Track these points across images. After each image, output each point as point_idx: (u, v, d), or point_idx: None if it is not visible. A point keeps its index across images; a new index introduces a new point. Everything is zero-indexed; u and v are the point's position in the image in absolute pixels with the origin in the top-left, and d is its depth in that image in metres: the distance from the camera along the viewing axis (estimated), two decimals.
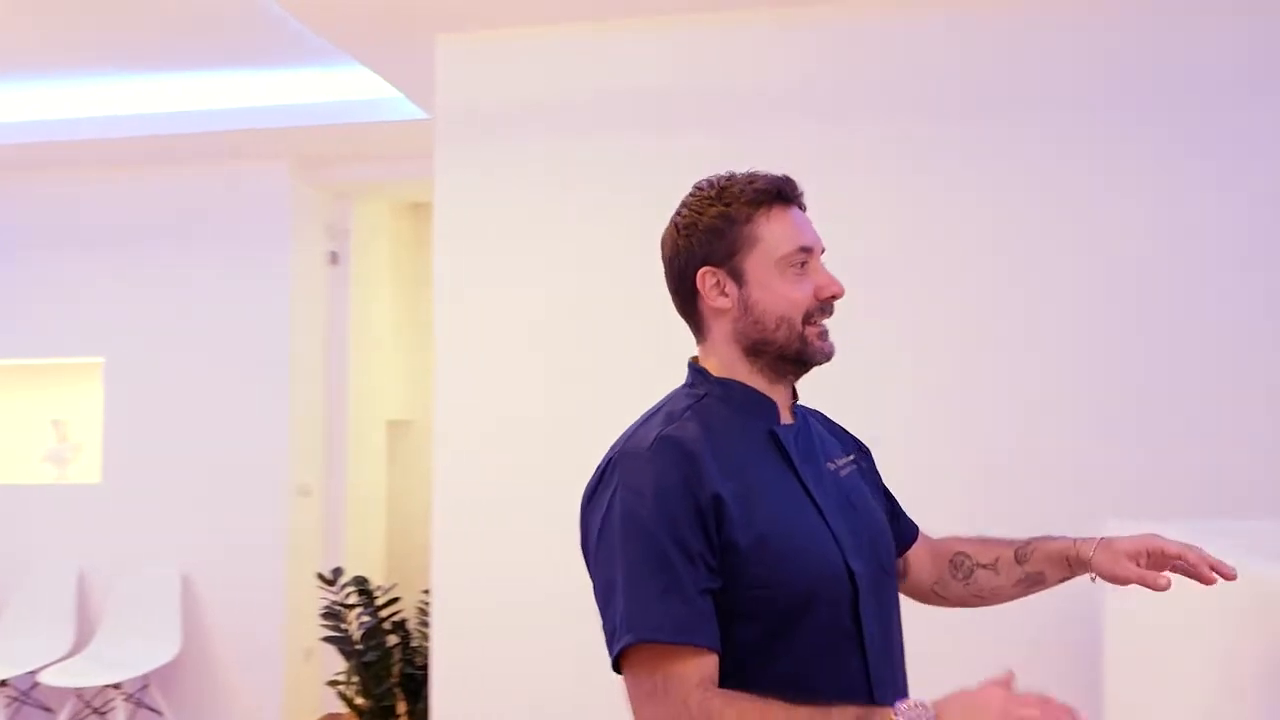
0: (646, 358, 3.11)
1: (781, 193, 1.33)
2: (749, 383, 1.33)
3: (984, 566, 1.47)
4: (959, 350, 2.97)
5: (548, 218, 3.20)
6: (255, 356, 4.61)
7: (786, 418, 1.36)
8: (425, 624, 3.80)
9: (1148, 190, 2.96)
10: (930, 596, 1.53)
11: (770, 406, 1.33)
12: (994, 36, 3.06)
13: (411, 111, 4.01)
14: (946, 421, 2.96)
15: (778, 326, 1.30)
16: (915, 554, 1.52)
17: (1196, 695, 1.83)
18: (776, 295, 1.30)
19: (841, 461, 1.40)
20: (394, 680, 3.85)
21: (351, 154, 4.70)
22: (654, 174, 3.14)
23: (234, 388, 4.62)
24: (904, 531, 1.51)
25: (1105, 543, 1.35)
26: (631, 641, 1.15)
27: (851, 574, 1.27)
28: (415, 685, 3.81)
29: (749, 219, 1.30)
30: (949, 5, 3.05)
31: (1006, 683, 1.07)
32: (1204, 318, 2.91)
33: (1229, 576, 1.29)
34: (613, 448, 1.30)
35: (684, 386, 1.38)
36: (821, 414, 1.51)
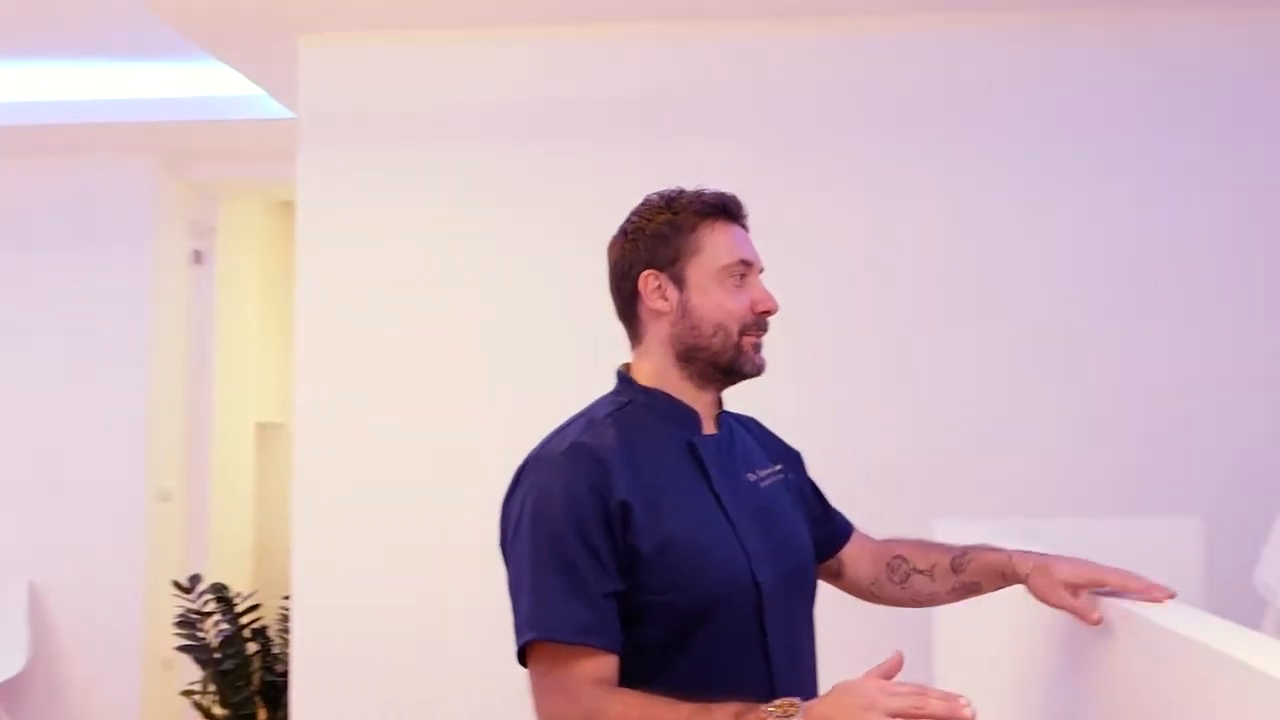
0: (507, 364, 3.18)
1: (726, 208, 1.40)
2: (676, 391, 1.38)
3: (920, 572, 1.49)
4: (792, 353, 3.07)
5: (410, 222, 3.20)
6: (110, 357, 4.45)
7: (709, 428, 1.41)
8: (287, 631, 3.75)
9: (996, 194, 3.14)
10: (867, 595, 1.57)
11: (692, 417, 1.39)
12: (841, 49, 3.20)
13: (280, 109, 3.95)
14: (790, 419, 3.07)
15: (714, 333, 1.35)
16: (851, 553, 1.56)
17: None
18: (714, 303, 1.35)
19: (764, 472, 1.44)
20: (254, 689, 3.79)
21: (218, 151, 4.59)
22: (515, 182, 3.20)
23: (87, 390, 4.44)
24: (834, 531, 1.56)
25: (1043, 566, 1.34)
26: (533, 639, 1.22)
27: (757, 583, 1.31)
28: (275, 693, 3.75)
29: (694, 228, 1.37)
30: (804, 22, 3.18)
31: (889, 670, 1.12)
32: (1036, 322, 3.10)
33: (1168, 598, 1.27)
34: (531, 451, 1.36)
35: (610, 394, 1.42)
36: (755, 422, 1.56)
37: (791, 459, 1.55)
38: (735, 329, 1.36)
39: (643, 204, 1.43)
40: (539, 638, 1.22)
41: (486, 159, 3.20)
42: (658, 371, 1.39)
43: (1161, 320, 3.09)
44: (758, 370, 1.39)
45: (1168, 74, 3.15)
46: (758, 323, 1.38)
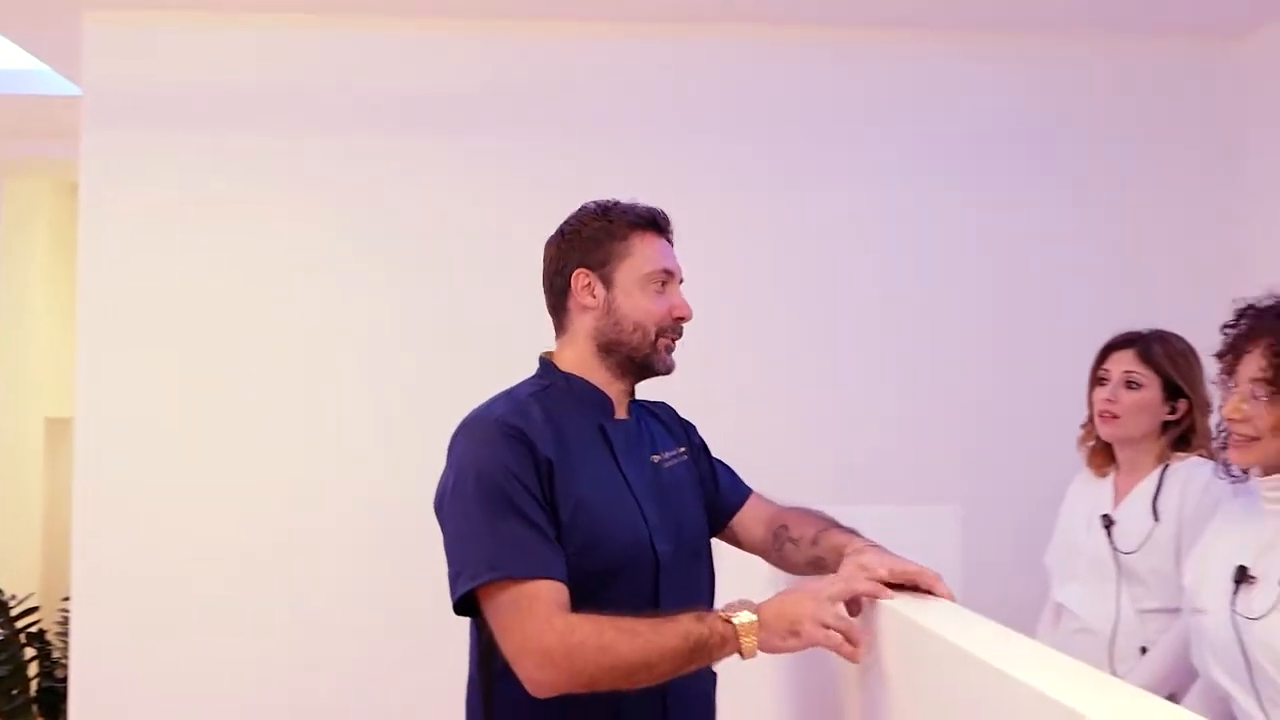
0: (295, 353, 3.12)
1: (655, 222, 1.56)
2: (593, 379, 1.54)
3: (792, 541, 1.59)
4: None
5: (199, 208, 3.10)
6: None
7: (621, 414, 1.57)
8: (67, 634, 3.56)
9: (836, 199, 3.31)
10: (766, 560, 1.68)
11: (606, 402, 1.54)
12: (704, 54, 3.30)
13: (68, 86, 3.74)
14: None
15: (634, 330, 1.52)
16: (744, 519, 1.68)
17: None
18: (636, 305, 1.52)
19: (667, 454, 1.60)
20: (30, 695, 3.58)
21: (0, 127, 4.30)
22: (307, 171, 3.14)
23: None
24: (726, 504, 1.68)
25: (856, 553, 1.40)
26: (499, 577, 1.32)
27: (656, 553, 1.47)
28: (55, 699, 3.57)
29: (625, 236, 1.53)
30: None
31: (835, 594, 1.29)
32: (836, 323, 3.29)
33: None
34: (461, 421, 1.48)
35: (532, 377, 1.58)
36: (666, 408, 1.73)
37: (696, 443, 1.70)
38: (653, 330, 1.52)
39: (579, 210, 1.59)
40: (508, 575, 1.32)
41: (278, 146, 3.13)
42: (579, 360, 1.55)
43: (950, 321, 3.33)
44: (668, 369, 1.56)
45: (1022, 92, 3.42)
46: (673, 327, 1.55)
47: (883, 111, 3.37)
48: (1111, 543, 2.12)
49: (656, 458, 1.58)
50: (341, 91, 3.17)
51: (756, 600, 1.36)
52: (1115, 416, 2.13)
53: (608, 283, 1.52)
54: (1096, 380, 2.20)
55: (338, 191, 3.14)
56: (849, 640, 1.27)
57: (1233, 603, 1.56)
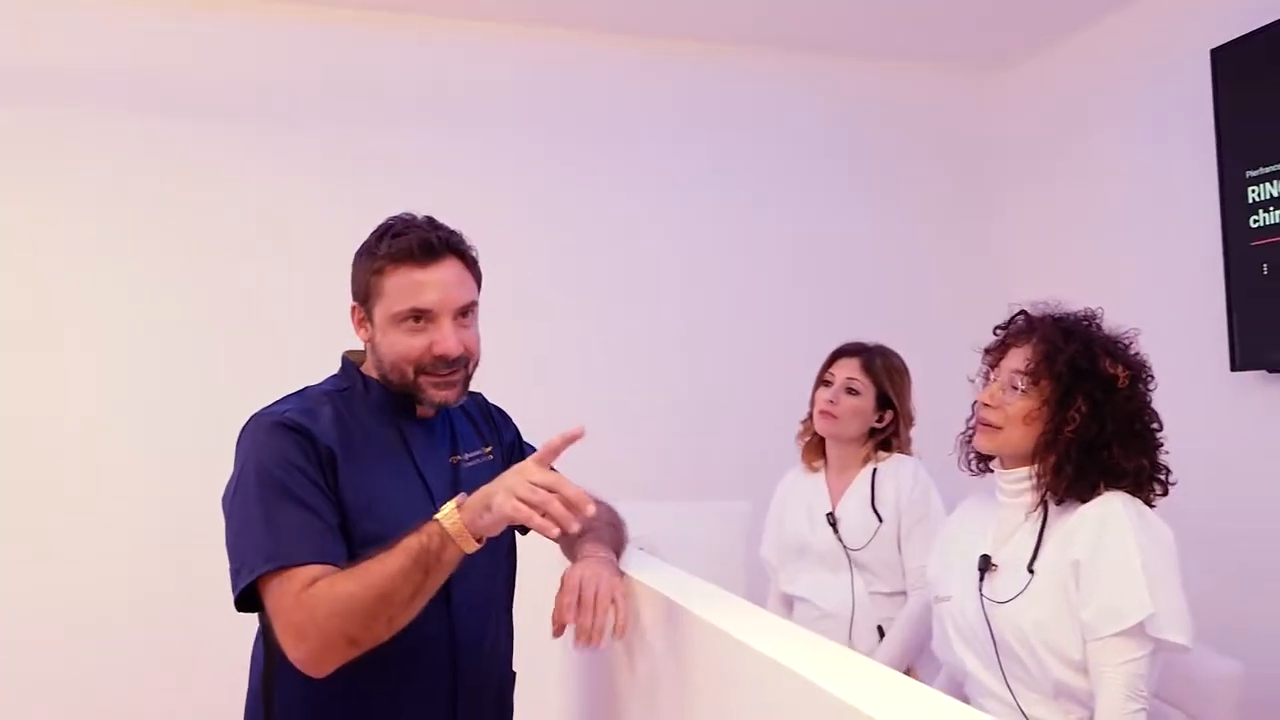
0: (70, 350, 2.92)
1: (414, 253, 1.43)
2: (390, 384, 1.49)
3: (566, 535, 1.57)
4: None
5: None
6: None
7: (426, 413, 1.53)
8: None
9: (638, 204, 3.34)
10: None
11: (405, 406, 1.51)
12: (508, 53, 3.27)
13: None
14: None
15: (392, 370, 1.46)
16: None
17: None
18: (391, 345, 1.45)
19: (469, 455, 1.57)
20: None
21: None
22: (61, 154, 2.95)
23: None
24: None
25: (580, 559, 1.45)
26: (273, 568, 1.29)
27: None
28: None
29: (381, 271, 1.44)
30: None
31: (542, 458, 1.29)
32: (637, 329, 3.35)
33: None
34: (249, 418, 1.44)
35: (332, 376, 1.55)
36: (479, 402, 1.69)
37: (506, 438, 1.69)
38: (410, 370, 1.45)
39: (373, 231, 1.50)
40: (281, 565, 1.29)
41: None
42: (374, 371, 1.52)
43: (725, 329, 3.46)
44: (439, 405, 1.48)
45: (807, 109, 3.59)
46: (435, 363, 1.44)
47: (686, 119, 3.48)
48: (840, 539, 2.31)
49: (456, 459, 1.56)
50: (87, 69, 2.98)
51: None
52: (835, 417, 2.33)
53: (371, 319, 1.49)
54: (822, 381, 2.39)
55: (89, 178, 2.97)
56: (549, 512, 1.22)
57: (980, 589, 1.70)
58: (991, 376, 1.78)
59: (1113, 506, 1.59)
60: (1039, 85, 3.64)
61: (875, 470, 2.33)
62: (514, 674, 1.68)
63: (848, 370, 2.35)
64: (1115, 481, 1.63)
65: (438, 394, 1.47)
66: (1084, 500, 1.63)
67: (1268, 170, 2.67)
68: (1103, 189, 3.33)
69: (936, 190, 3.73)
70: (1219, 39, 2.81)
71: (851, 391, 2.33)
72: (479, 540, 1.27)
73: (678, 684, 1.28)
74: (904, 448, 2.37)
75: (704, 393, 3.42)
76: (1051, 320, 1.74)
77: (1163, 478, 1.66)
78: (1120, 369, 1.65)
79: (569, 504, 1.23)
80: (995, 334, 1.83)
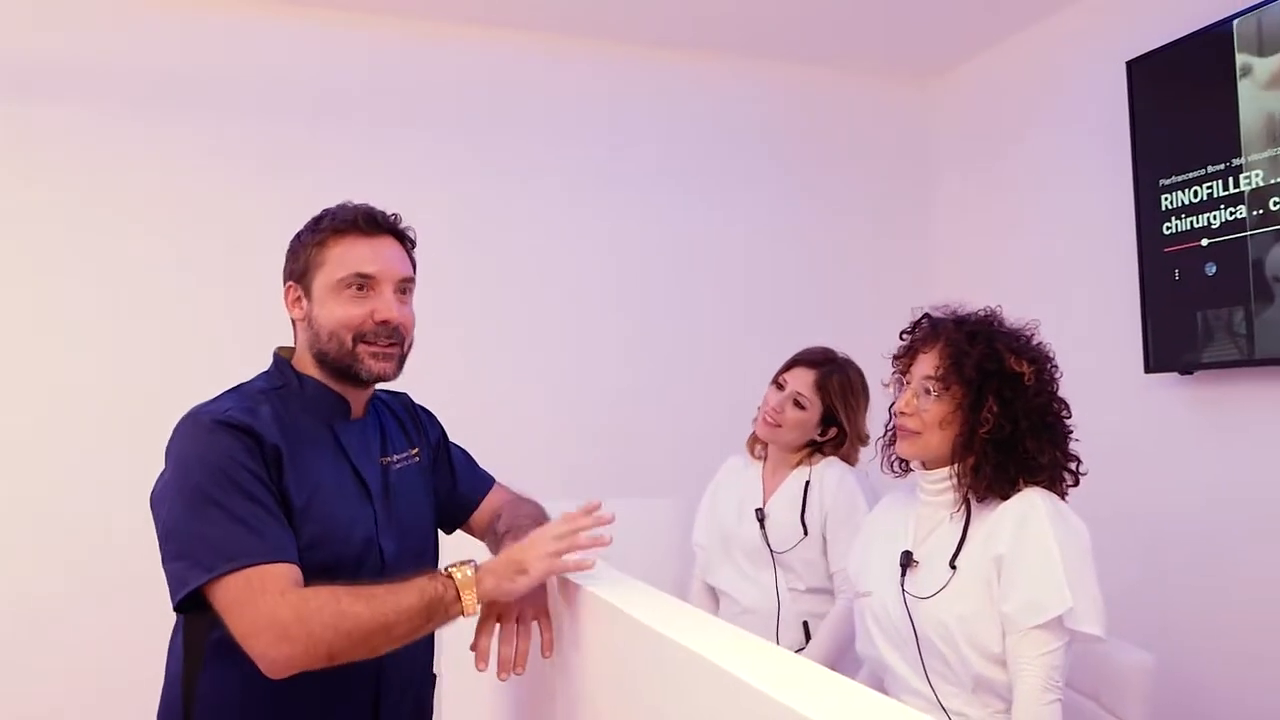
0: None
1: (358, 222, 1.48)
2: (323, 381, 1.49)
3: (494, 531, 1.62)
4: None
5: None
6: None
7: (358, 413, 1.54)
8: None
9: (581, 206, 3.32)
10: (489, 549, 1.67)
11: (339, 404, 1.51)
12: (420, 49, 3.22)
13: None
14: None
15: (329, 339, 1.46)
16: (481, 511, 1.72)
17: None
18: (330, 313, 1.46)
19: (398, 456, 1.58)
20: None
21: None
22: None
23: None
24: (467, 493, 1.71)
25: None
26: (239, 567, 1.26)
27: (382, 552, 1.47)
28: None
29: (323, 244, 1.47)
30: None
31: (558, 534, 1.37)
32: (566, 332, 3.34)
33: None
34: (183, 416, 1.41)
35: (264, 374, 1.53)
36: (405, 402, 1.70)
37: (432, 439, 1.69)
38: (349, 337, 1.46)
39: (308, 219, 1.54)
40: (247, 564, 1.27)
41: None
42: (305, 366, 1.51)
43: (662, 329, 3.48)
44: (373, 376, 1.49)
45: (738, 112, 3.61)
46: (376, 331, 1.47)
47: (627, 120, 3.48)
48: (765, 539, 2.33)
49: (385, 459, 1.57)
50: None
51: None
52: (777, 425, 2.34)
53: (308, 294, 1.50)
54: (775, 383, 2.40)
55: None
56: (578, 544, 1.37)
57: (901, 584, 1.73)
58: (905, 382, 1.81)
59: (1032, 502, 1.64)
60: (969, 93, 3.72)
61: (808, 481, 2.33)
62: (434, 676, 1.68)
63: (799, 382, 2.35)
64: (1032, 476, 1.67)
65: (375, 365, 1.48)
66: (1004, 497, 1.67)
67: (1180, 179, 2.77)
68: (1029, 194, 3.42)
69: (874, 193, 3.79)
70: (1135, 51, 2.90)
71: (798, 405, 2.33)
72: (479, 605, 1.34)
73: (612, 684, 1.28)
74: (848, 461, 2.37)
75: (638, 391, 3.43)
76: (954, 323, 1.77)
77: (1074, 467, 1.71)
78: (1025, 365, 1.69)
79: (591, 520, 1.39)
80: (902, 339, 1.86)
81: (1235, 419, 2.68)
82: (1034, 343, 1.74)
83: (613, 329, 3.42)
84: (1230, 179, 2.63)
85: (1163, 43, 2.82)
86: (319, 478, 1.43)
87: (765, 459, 2.45)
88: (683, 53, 3.55)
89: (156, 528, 1.37)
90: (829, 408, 2.34)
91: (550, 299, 3.37)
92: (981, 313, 1.78)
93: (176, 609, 1.34)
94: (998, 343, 1.71)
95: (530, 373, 3.32)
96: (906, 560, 1.75)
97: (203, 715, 1.41)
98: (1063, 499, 1.69)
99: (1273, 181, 2.52)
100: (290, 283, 1.52)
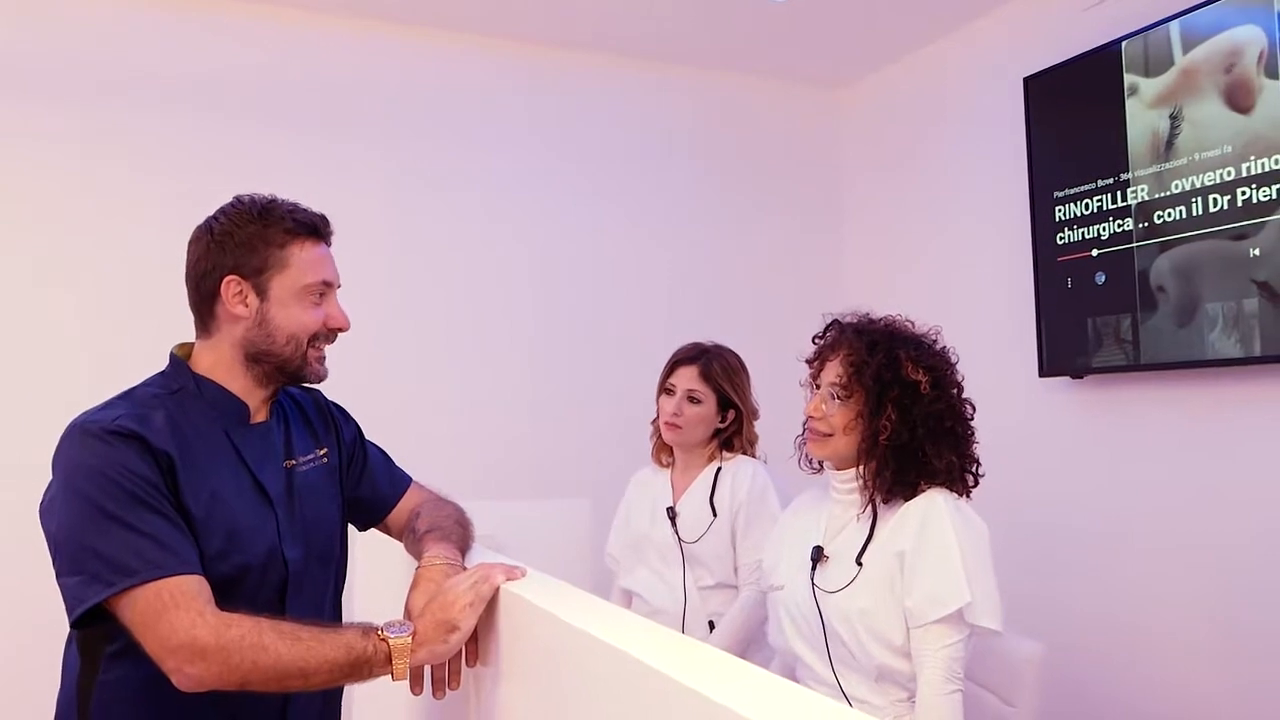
0: None
1: (317, 229, 1.47)
2: (231, 384, 1.45)
3: (413, 531, 1.60)
4: None
5: None
6: None
7: (260, 416, 1.50)
8: None
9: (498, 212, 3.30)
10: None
11: (240, 408, 1.46)
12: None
13: None
14: None
15: (287, 343, 1.44)
16: (399, 512, 1.69)
17: None
18: (292, 317, 1.44)
19: (304, 458, 1.53)
20: None
21: None
22: None
23: None
24: (382, 492, 1.68)
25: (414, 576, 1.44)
26: (138, 582, 1.22)
27: (285, 560, 1.43)
28: None
29: (283, 245, 1.43)
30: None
31: (475, 583, 1.33)
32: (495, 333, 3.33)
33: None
34: (70, 423, 1.35)
35: (159, 375, 1.47)
36: (316, 400, 1.66)
37: (346, 437, 1.66)
38: (305, 340, 1.46)
39: (233, 207, 1.46)
40: (157, 576, 1.23)
41: None
42: (219, 365, 1.46)
43: (572, 330, 3.49)
44: (319, 379, 1.51)
45: (658, 118, 3.62)
46: (326, 336, 1.50)
47: (538, 122, 3.48)
48: (676, 533, 2.38)
49: (291, 462, 1.53)
50: None
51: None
52: (679, 427, 2.39)
53: (261, 292, 1.44)
54: (664, 390, 2.45)
55: None
56: (493, 588, 1.34)
57: (812, 578, 1.78)
58: (816, 386, 1.86)
59: (934, 502, 1.70)
60: (876, 103, 3.83)
61: (718, 470, 2.40)
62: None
63: (687, 380, 2.40)
64: (931, 479, 1.73)
65: (320, 368, 1.51)
66: (907, 498, 1.73)
67: (1072, 191, 2.90)
68: (932, 203, 3.54)
69: (787, 198, 3.86)
70: (1032, 68, 3.03)
71: (693, 400, 2.39)
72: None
73: (532, 684, 1.29)
74: (748, 443, 2.44)
75: (548, 392, 3.43)
76: (855, 331, 1.83)
77: (973, 470, 1.78)
78: (922, 373, 1.75)
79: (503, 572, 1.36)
80: (814, 343, 1.92)
81: (1123, 420, 2.81)
82: (935, 350, 1.80)
83: (524, 331, 3.42)
84: (1119, 192, 2.77)
85: (1057, 61, 2.95)
86: (217, 486, 1.38)
87: (673, 465, 2.49)
88: (596, 56, 3.57)
89: (47, 541, 1.32)
90: (720, 393, 2.40)
91: (461, 301, 3.35)
92: (883, 323, 1.83)
93: (73, 625, 1.29)
94: (899, 350, 1.77)
95: (440, 374, 3.30)
96: (817, 555, 1.80)
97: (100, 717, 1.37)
98: (964, 498, 1.76)
99: (1157, 196, 2.66)
100: (233, 276, 1.43)
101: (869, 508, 1.77)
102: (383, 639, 1.27)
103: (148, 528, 1.26)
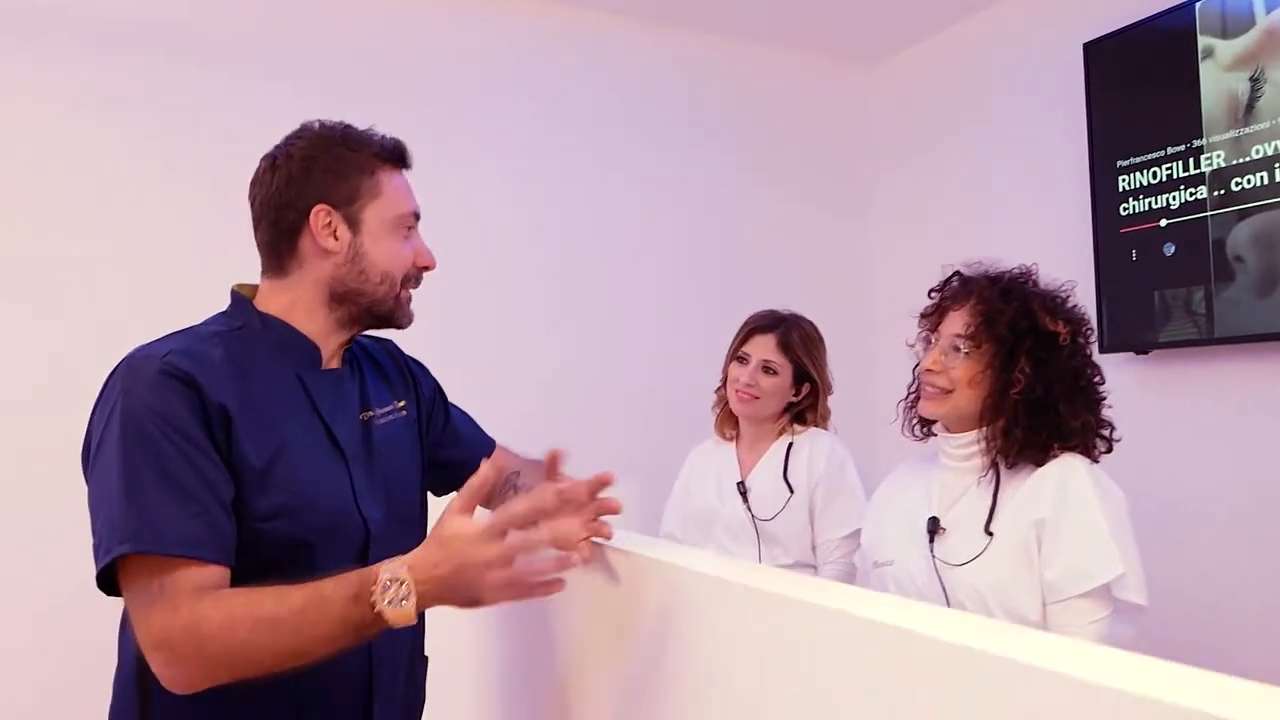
0: None
1: (403, 156, 1.33)
2: (304, 326, 1.29)
3: (516, 489, 1.43)
4: None
5: None
6: None
7: (333, 363, 1.33)
8: None
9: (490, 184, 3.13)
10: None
11: (312, 351, 1.30)
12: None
13: None
14: None
15: (381, 281, 1.29)
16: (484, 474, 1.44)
17: None
18: (386, 251, 1.29)
19: (381, 410, 1.36)
20: None
21: None
22: None
23: None
24: (469, 452, 1.48)
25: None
26: (129, 551, 1.07)
27: (365, 520, 1.25)
28: None
29: (374, 171, 1.29)
30: None
31: (478, 492, 1.09)
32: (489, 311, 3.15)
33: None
34: (123, 358, 1.19)
35: (221, 314, 1.31)
36: (390, 350, 1.49)
37: (425, 392, 1.49)
38: (399, 279, 1.32)
39: (308, 132, 1.31)
40: (136, 549, 1.07)
41: None
42: (298, 306, 1.29)
43: (596, 310, 3.33)
44: (409, 322, 1.35)
45: (688, 88, 3.48)
46: (416, 277, 1.35)
47: (557, 92, 3.33)
48: (749, 509, 2.21)
49: (367, 415, 1.35)
50: None
51: None
52: (755, 398, 2.23)
53: (353, 224, 1.28)
54: (737, 358, 2.28)
55: None
56: (537, 584, 1.09)
57: (931, 550, 1.64)
58: (932, 341, 1.72)
59: (1073, 467, 1.57)
60: (916, 77, 3.70)
61: (791, 443, 2.25)
62: (426, 658, 1.49)
63: (763, 349, 2.24)
64: (1064, 440, 1.60)
65: (410, 312, 1.36)
66: (1036, 462, 1.60)
67: (1138, 160, 2.79)
68: (979, 176, 3.42)
69: (813, 176, 3.74)
70: (1091, 34, 2.92)
71: (769, 371, 2.23)
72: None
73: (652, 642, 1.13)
74: (822, 418, 2.30)
75: (572, 373, 3.27)
76: (988, 280, 1.71)
77: (1107, 433, 1.66)
78: (1061, 325, 1.63)
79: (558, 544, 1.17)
80: (930, 297, 1.78)
81: (1194, 396, 2.70)
82: (1069, 304, 1.68)
83: (540, 307, 3.25)
84: (1191, 160, 2.66)
85: (1120, 26, 2.84)
86: (285, 435, 1.22)
87: (737, 438, 2.33)
88: (619, 20, 3.41)
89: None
90: (798, 365, 2.25)
91: (475, 277, 3.17)
92: (1016, 271, 1.71)
93: (102, 589, 1.13)
94: (1032, 302, 1.64)
95: (455, 354, 3.12)
96: (934, 526, 1.66)
97: (166, 707, 1.18)
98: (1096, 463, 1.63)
99: (1235, 162, 2.56)
100: (323, 206, 1.27)
101: (991, 473, 1.63)
102: (376, 611, 1.05)
103: (162, 493, 1.09)
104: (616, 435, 3.13)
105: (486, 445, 1.58)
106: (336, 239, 1.28)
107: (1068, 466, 1.57)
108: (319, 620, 1.06)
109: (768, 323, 2.29)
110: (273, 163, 1.30)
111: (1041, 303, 1.65)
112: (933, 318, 1.73)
